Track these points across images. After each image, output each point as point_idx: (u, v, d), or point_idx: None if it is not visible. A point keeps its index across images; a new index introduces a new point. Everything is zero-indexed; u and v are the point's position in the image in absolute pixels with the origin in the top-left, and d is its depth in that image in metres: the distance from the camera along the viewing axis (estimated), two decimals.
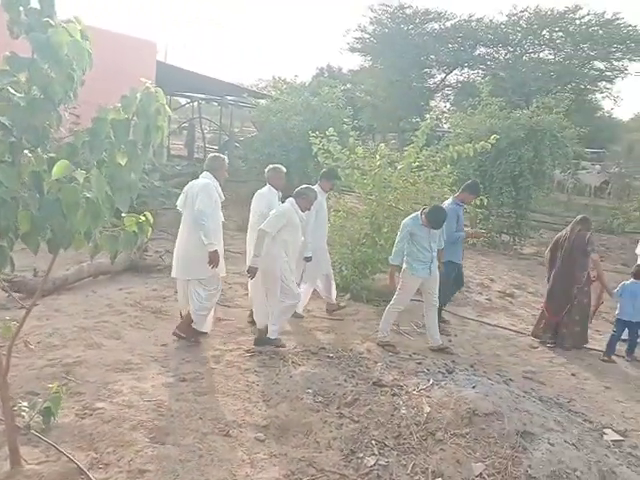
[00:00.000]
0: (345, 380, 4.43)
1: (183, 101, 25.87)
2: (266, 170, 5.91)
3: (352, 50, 25.51)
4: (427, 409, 3.76)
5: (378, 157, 7.28)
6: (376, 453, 3.44)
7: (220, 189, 5.11)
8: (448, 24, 23.27)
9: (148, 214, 2.45)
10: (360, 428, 3.69)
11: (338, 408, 3.99)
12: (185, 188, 5.10)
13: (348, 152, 7.57)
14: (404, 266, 5.58)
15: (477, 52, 23.53)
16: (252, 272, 5.09)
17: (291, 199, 5.31)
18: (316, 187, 6.13)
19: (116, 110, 2.33)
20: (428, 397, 3.94)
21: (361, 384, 4.36)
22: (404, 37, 22.92)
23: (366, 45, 24.69)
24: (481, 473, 3.28)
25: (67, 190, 1.97)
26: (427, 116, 8.11)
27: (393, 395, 4.09)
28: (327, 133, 7.59)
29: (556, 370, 5.58)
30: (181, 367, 4.51)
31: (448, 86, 26.45)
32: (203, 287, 5.04)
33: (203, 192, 4.88)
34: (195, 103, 21.95)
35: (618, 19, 21.23)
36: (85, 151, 2.24)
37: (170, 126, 23.83)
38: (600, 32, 21.09)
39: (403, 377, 4.61)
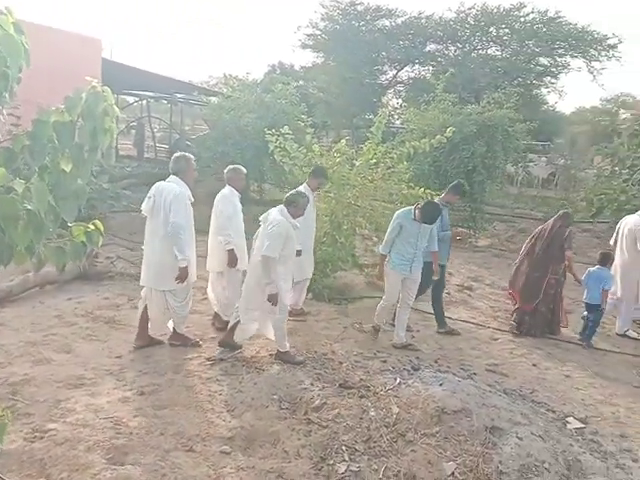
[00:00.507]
0: (311, 384, 4.33)
1: (131, 100, 25.08)
2: (225, 171, 5.67)
3: (304, 47, 25.40)
4: (396, 410, 3.71)
5: (337, 154, 7.21)
6: (347, 459, 3.36)
7: (190, 192, 4.91)
8: (399, 21, 23.51)
9: (98, 222, 2.26)
10: (329, 434, 3.60)
11: (305, 414, 3.89)
12: (151, 191, 4.85)
13: (305, 150, 7.47)
14: (386, 259, 5.63)
15: (427, 49, 23.86)
16: (274, 299, 4.66)
17: (281, 208, 4.91)
18: (303, 186, 6.05)
19: (59, 112, 2.13)
20: (396, 397, 3.90)
21: (327, 387, 4.28)
22: (355, 34, 22.97)
23: (318, 42, 24.61)
24: (453, 472, 3.25)
25: (4, 202, 1.78)
26: (380, 111, 8.11)
27: (361, 397, 4.02)
28: (282, 131, 7.46)
29: (517, 361, 5.67)
30: (138, 380, 4.29)
31: (400, 83, 26.71)
32: (174, 298, 4.90)
33: (176, 203, 4.70)
34: (144, 101, 21.33)
35: (560, 17, 22.00)
36: (25, 156, 2.04)
37: (118, 126, 23.13)
38: (544, 29, 21.79)
39: (369, 377, 4.56)
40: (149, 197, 4.82)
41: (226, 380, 4.38)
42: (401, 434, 3.52)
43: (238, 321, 4.93)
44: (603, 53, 21.90)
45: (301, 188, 6.03)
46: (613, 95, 32.48)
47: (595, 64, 22.38)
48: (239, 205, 5.54)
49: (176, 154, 5.06)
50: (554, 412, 4.49)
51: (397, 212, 5.67)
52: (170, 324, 5.12)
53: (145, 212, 4.87)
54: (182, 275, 4.71)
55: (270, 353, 4.97)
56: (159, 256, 4.79)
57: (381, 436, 3.51)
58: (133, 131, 22.97)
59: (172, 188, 4.76)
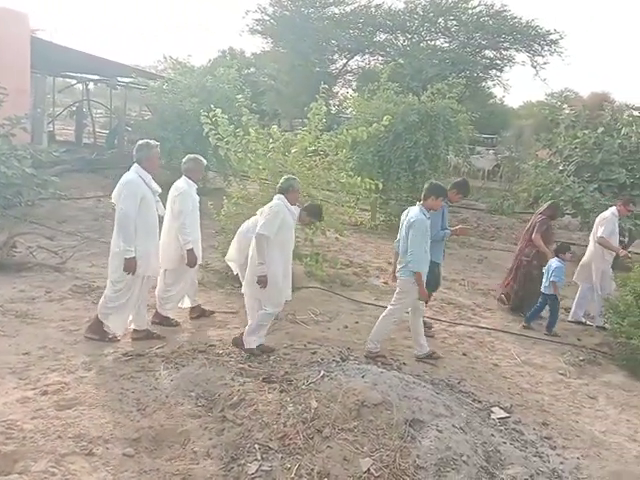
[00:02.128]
0: (232, 379, 4.15)
1: (73, 83, 23.90)
2: (184, 161, 5.38)
3: (252, 32, 24.83)
4: (315, 404, 3.57)
5: (271, 140, 7.00)
6: (259, 458, 3.20)
7: (153, 182, 4.72)
8: (348, 9, 23.27)
9: None
10: (243, 432, 3.43)
11: (221, 411, 3.71)
12: (121, 180, 4.70)
13: (242, 134, 7.22)
14: (406, 272, 5.01)
15: (377, 38, 23.75)
16: (263, 281, 4.58)
17: (279, 195, 4.83)
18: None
19: None
20: (317, 391, 3.75)
21: (249, 382, 4.10)
22: (305, 20, 22.61)
23: (266, 27, 24.07)
24: (369, 469, 3.14)
25: None
26: (327, 100, 7.94)
27: (281, 392, 3.87)
28: (218, 114, 7.18)
29: (448, 350, 5.65)
30: (43, 378, 3.97)
31: (350, 72, 26.60)
32: (113, 287, 4.73)
33: (125, 190, 4.54)
34: (85, 84, 20.36)
35: (505, 11, 22.37)
36: None
37: (55, 110, 22.03)
38: (490, 22, 22.11)
39: (295, 370, 4.41)
40: (119, 184, 4.70)
41: (141, 377, 4.13)
42: (318, 430, 3.38)
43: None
44: (546, 48, 22.45)
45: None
46: (558, 90, 33.46)
47: (538, 59, 22.95)
48: (197, 198, 5.34)
49: (139, 142, 4.83)
50: (480, 402, 4.48)
51: (419, 218, 4.94)
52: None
53: (114, 200, 4.74)
54: (129, 266, 4.53)
55: (194, 348, 4.75)
56: (112, 243, 4.73)
57: (297, 433, 3.36)
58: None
59: (127, 175, 4.63)
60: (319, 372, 4.12)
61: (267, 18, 24.00)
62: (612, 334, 5.98)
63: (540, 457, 3.68)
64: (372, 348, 5.13)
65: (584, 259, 7.08)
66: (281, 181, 4.97)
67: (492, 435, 3.83)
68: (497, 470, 3.39)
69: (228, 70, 12.09)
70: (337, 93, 25.58)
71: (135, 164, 4.71)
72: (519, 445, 3.80)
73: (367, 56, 25.39)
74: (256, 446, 3.29)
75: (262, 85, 25.19)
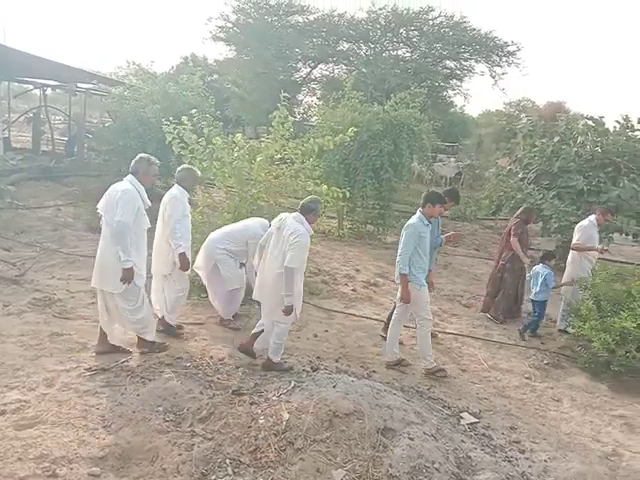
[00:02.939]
0: (201, 392, 4.05)
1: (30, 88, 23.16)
2: (177, 170, 5.39)
3: (215, 39, 24.70)
4: (286, 416, 3.52)
5: (237, 148, 6.94)
6: (230, 473, 3.13)
7: (145, 195, 4.66)
8: (311, 18, 23.48)
9: None
10: (214, 446, 3.35)
11: (191, 425, 3.61)
12: (109, 190, 4.64)
13: (205, 142, 7.13)
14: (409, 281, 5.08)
15: (340, 47, 24.01)
16: (288, 311, 4.59)
17: (298, 216, 4.69)
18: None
19: None
20: (288, 402, 3.70)
21: (218, 395, 4.03)
22: (268, 28, 22.63)
23: (229, 35, 23.99)
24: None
25: None
26: (289, 107, 7.93)
27: (252, 404, 3.80)
28: (183, 121, 7.08)
29: (417, 357, 5.68)
30: (1, 397, 3.79)
31: (314, 80, 26.76)
32: (124, 300, 4.63)
33: (123, 200, 4.47)
34: (43, 90, 19.74)
35: (465, 22, 22.99)
36: None
37: (11, 116, 21.26)
38: (450, 33, 22.65)
39: (266, 381, 4.37)
40: (105, 195, 4.65)
41: (106, 392, 3.99)
42: (290, 442, 3.34)
43: (262, 330, 4.91)
44: (504, 59, 23.15)
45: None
46: (515, 100, 34.48)
47: (497, 69, 23.65)
48: (189, 207, 5.35)
49: (140, 155, 4.82)
50: (449, 408, 4.53)
51: (412, 223, 5.08)
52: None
53: (100, 210, 4.69)
54: (127, 276, 4.49)
55: (160, 361, 4.63)
56: (103, 254, 4.65)
57: (269, 445, 3.31)
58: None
59: (121, 185, 4.57)
60: (290, 383, 4.07)
61: (230, 25, 23.93)
62: (574, 338, 6.15)
63: (509, 461, 3.73)
64: (428, 365, 5.21)
65: (568, 268, 7.20)
66: (307, 200, 4.82)
67: (462, 441, 3.86)
68: (468, 476, 3.41)
69: (191, 77, 11.97)
70: (301, 101, 25.70)
71: (130, 175, 4.66)
72: (489, 450, 3.85)
73: (331, 65, 25.63)
74: (227, 461, 3.22)
75: (226, 92, 25.06)
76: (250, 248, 5.56)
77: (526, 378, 5.48)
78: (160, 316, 5.37)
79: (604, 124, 10.86)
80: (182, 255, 5.09)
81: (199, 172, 5.63)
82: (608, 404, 5.00)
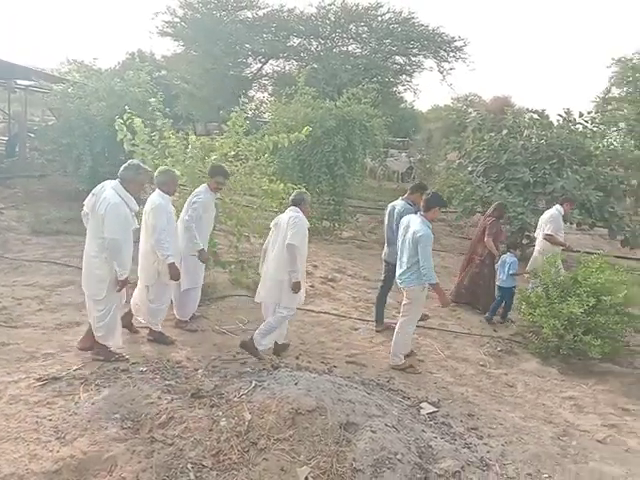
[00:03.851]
0: (159, 397, 3.95)
1: None
2: (155, 174, 5.20)
3: (162, 34, 24.07)
4: (248, 416, 3.48)
5: (190, 147, 6.79)
6: (193, 478, 3.07)
7: (132, 201, 4.57)
8: (261, 13, 23.26)
9: None
10: (174, 451, 3.28)
11: (150, 432, 3.52)
12: (95, 189, 4.58)
13: (157, 139, 6.95)
14: (414, 281, 5.13)
15: (290, 43, 23.90)
16: (297, 287, 4.94)
17: (292, 208, 5.11)
18: (204, 187, 5.74)
19: None
20: (250, 402, 3.66)
21: (177, 399, 3.93)
22: (217, 23, 22.24)
23: (177, 30, 23.42)
24: (307, 477, 3.11)
25: None
26: (246, 106, 7.84)
27: (212, 406, 3.74)
28: (135, 121, 6.86)
29: (376, 350, 5.76)
30: None
31: (265, 76, 26.55)
32: (95, 303, 4.62)
33: (112, 215, 4.38)
34: None
35: (413, 18, 23.33)
36: None
37: None
38: (399, 29, 22.95)
39: (226, 383, 4.30)
40: (92, 194, 4.57)
41: (58, 402, 3.84)
42: (253, 442, 3.30)
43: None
44: (451, 54, 23.65)
45: (201, 189, 5.73)
46: (463, 95, 35.36)
47: (445, 64, 24.13)
48: (172, 212, 5.21)
49: (130, 161, 4.71)
50: (409, 399, 4.60)
51: (426, 233, 5.00)
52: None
53: (86, 208, 4.61)
54: (122, 287, 4.58)
55: (115, 367, 4.49)
56: (86, 258, 4.61)
57: (231, 447, 3.27)
58: None
59: (109, 197, 4.43)
60: (250, 383, 4.03)
61: (177, 20, 23.39)
62: (525, 324, 6.37)
63: (469, 448, 3.83)
64: (397, 361, 5.28)
65: (535, 255, 7.49)
66: (294, 194, 5.29)
67: (423, 431, 3.93)
68: (430, 465, 3.48)
69: (138, 73, 11.62)
70: (253, 97, 25.41)
71: (117, 181, 4.53)
72: (449, 438, 3.94)
73: (282, 60, 25.49)
74: (189, 465, 3.16)
75: (175, 88, 24.49)
76: (195, 212, 5.48)
77: (481, 366, 5.63)
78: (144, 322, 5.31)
79: (548, 118, 11.28)
80: (172, 265, 4.96)
81: (178, 172, 5.50)
82: (558, 387, 5.21)
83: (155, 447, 3.33)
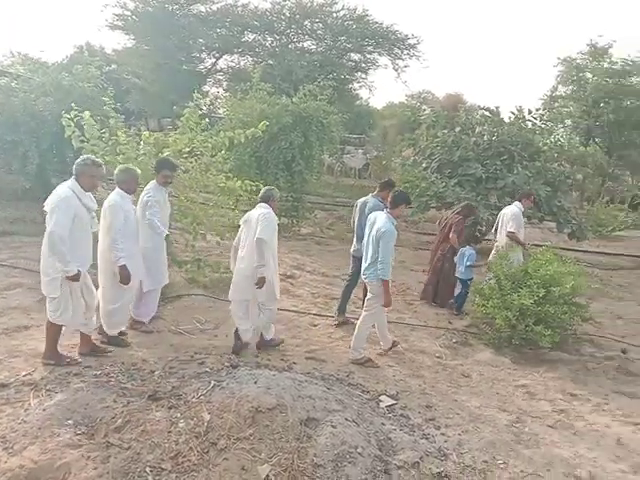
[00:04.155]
0: (114, 400, 3.84)
1: None
2: (115, 173, 5.14)
3: (112, 28, 23.36)
4: (207, 417, 3.44)
5: (142, 144, 6.62)
6: None
7: (88, 199, 4.50)
8: (214, 7, 22.94)
9: None
10: (132, 455, 3.20)
11: (105, 436, 3.42)
12: (55, 191, 4.49)
13: (108, 136, 6.74)
14: (375, 276, 5.19)
15: (245, 38, 23.72)
16: (262, 282, 5.01)
17: (264, 204, 5.22)
18: (152, 184, 5.63)
19: None
20: (209, 402, 3.62)
21: (134, 402, 3.84)
22: (169, 17, 21.80)
23: (128, 23, 22.78)
24: (268, 475, 3.10)
25: None
26: (200, 101, 7.70)
27: (170, 408, 3.67)
28: (84, 116, 6.63)
29: (335, 345, 5.80)
30: None
31: (219, 71, 26.22)
32: (49, 303, 4.50)
33: (59, 209, 4.29)
34: None
35: (367, 15, 23.54)
36: None
37: None
38: (354, 26, 23.12)
39: (184, 383, 4.22)
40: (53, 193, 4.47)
41: (6, 410, 3.69)
42: (213, 443, 3.26)
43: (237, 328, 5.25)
44: (405, 52, 24.01)
45: (149, 185, 5.64)
46: (417, 92, 35.93)
47: (399, 62, 24.47)
48: (131, 211, 5.09)
49: (83, 156, 4.64)
50: (369, 392, 4.65)
51: (389, 229, 5.08)
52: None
53: (46, 208, 4.47)
54: (74, 280, 4.40)
55: (67, 371, 4.35)
56: (41, 257, 4.50)
57: (191, 449, 3.22)
58: None
59: (62, 190, 4.39)
60: (209, 383, 3.97)
61: (128, 14, 22.76)
62: (479, 316, 6.54)
63: (427, 438, 3.91)
64: (356, 355, 5.31)
65: (494, 251, 7.59)
66: (263, 190, 5.39)
67: (382, 423, 3.99)
68: (390, 457, 3.53)
69: (87, 67, 11.25)
70: (207, 92, 25.04)
71: (72, 178, 4.45)
72: (407, 430, 4.00)
73: (236, 56, 25.25)
74: (147, 469, 3.09)
75: (126, 83, 23.87)
76: (152, 208, 5.41)
77: (437, 357, 5.75)
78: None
79: (499, 115, 11.60)
80: (122, 268, 4.83)
81: (139, 170, 5.36)
82: (511, 375, 5.38)
83: (111, 452, 3.24)
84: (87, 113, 6.64)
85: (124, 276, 4.87)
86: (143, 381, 4.27)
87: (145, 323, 5.64)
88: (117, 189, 5.08)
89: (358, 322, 5.47)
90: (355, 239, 6.41)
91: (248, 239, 5.10)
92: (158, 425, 3.45)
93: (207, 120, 7.24)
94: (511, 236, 7.41)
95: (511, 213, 7.58)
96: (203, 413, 3.47)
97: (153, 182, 5.68)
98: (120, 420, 3.56)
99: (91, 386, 4.07)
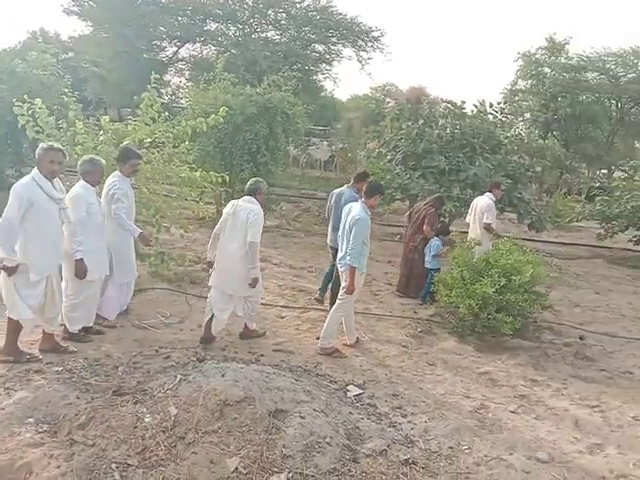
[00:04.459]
0: (78, 397, 3.77)
1: None
2: (79, 163, 5.02)
3: (68, 13, 22.56)
4: (174, 411, 3.39)
5: (102, 132, 6.44)
6: (118, 478, 2.95)
7: (51, 187, 4.33)
8: None
9: None
10: (97, 452, 3.13)
11: (69, 434, 3.34)
12: None
13: (66, 126, 6.53)
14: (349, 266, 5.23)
15: (207, 27, 23.31)
16: (255, 282, 5.17)
17: (249, 198, 5.23)
18: (117, 175, 5.45)
19: None
20: (175, 397, 3.57)
21: (98, 397, 3.77)
22: (128, 4, 21.14)
23: (84, 9, 22.04)
24: (237, 467, 3.09)
25: None
26: (159, 87, 7.53)
27: (136, 403, 3.61)
28: (36, 104, 6.39)
29: (303, 337, 5.81)
30: None
31: (181, 60, 25.71)
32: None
33: (12, 194, 4.19)
34: None
35: (331, 6, 23.49)
36: None
37: None
38: (318, 17, 23.03)
39: (149, 378, 4.16)
40: None
41: None
42: (180, 437, 3.23)
43: (212, 316, 5.21)
44: (369, 44, 24.08)
45: (114, 178, 5.43)
46: (381, 84, 36.11)
47: (363, 54, 24.54)
48: (95, 203, 4.94)
49: (42, 143, 4.48)
50: (336, 382, 4.68)
51: (362, 216, 5.20)
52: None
53: None
54: (9, 273, 4.22)
55: (27, 368, 4.21)
56: None
57: (158, 444, 3.17)
58: None
59: (20, 180, 4.35)
60: (175, 377, 3.92)
61: None
62: (443, 305, 6.66)
63: (394, 427, 3.96)
64: (325, 344, 5.33)
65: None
66: (250, 183, 5.37)
67: (350, 413, 4.02)
68: (358, 446, 3.56)
69: (42, 54, 10.83)
70: (169, 82, 24.54)
71: (35, 168, 4.35)
72: (375, 418, 4.05)
73: (198, 45, 24.79)
74: (113, 466, 3.03)
75: (83, 72, 23.12)
76: (119, 201, 5.29)
77: (403, 346, 5.83)
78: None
79: (462, 107, 11.77)
80: (79, 262, 4.69)
81: (104, 161, 5.22)
82: (475, 363, 5.51)
83: (75, 449, 3.17)
84: (38, 101, 6.41)
85: (80, 270, 4.74)
86: (107, 377, 4.19)
87: (107, 319, 5.50)
88: (81, 181, 4.96)
89: (331, 310, 5.53)
90: (330, 229, 6.58)
91: (237, 236, 5.11)
92: (123, 421, 3.39)
93: (166, 113, 7.07)
94: (488, 227, 7.63)
95: (485, 204, 7.76)
96: (170, 407, 3.43)
97: (117, 173, 5.50)
98: (84, 417, 3.48)
99: (53, 383, 3.98)
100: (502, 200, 10.59)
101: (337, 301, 5.51)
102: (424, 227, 7.58)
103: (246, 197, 5.25)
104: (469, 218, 8.17)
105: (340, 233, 5.56)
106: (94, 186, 5.02)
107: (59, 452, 3.13)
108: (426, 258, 7.49)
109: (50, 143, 4.52)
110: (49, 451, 3.14)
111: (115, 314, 5.55)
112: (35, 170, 4.32)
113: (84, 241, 4.72)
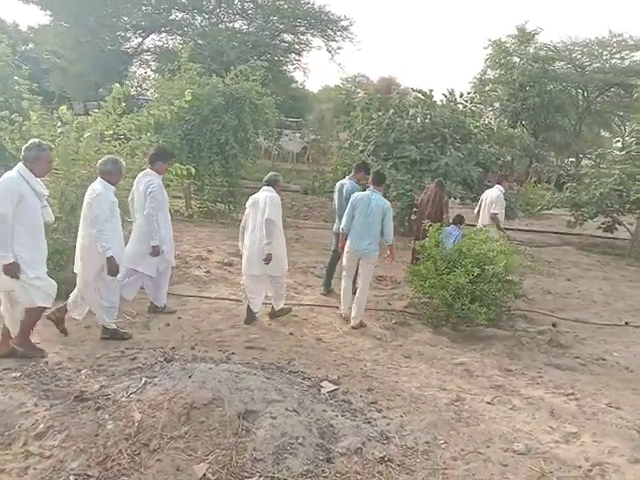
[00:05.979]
0: (36, 404, 3.55)
1: None
2: (101, 162, 4.98)
3: (26, 1, 21.68)
4: (138, 417, 3.22)
5: (59, 124, 6.14)
6: None
7: (38, 184, 4.27)
8: None
9: None
10: (54, 464, 2.94)
11: (24, 445, 3.13)
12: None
13: (21, 119, 6.21)
14: (377, 250, 6.09)
15: (173, 17, 22.75)
16: (269, 258, 5.58)
17: (268, 187, 5.75)
18: (150, 172, 5.68)
19: None
20: (139, 401, 3.39)
21: (58, 404, 3.55)
22: None
23: None
24: (205, 474, 2.94)
25: None
26: (127, 83, 7.24)
27: (98, 409, 3.41)
28: None
29: (275, 332, 5.67)
30: None
31: (147, 51, 25.06)
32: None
33: (0, 188, 4.10)
34: None
35: None
36: None
37: None
38: (285, 6, 22.72)
39: (113, 382, 3.96)
40: None
41: None
42: (144, 444, 3.06)
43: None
44: (338, 34, 23.89)
45: (151, 177, 5.63)
46: (351, 75, 35.98)
47: (332, 44, 24.34)
48: (116, 202, 4.95)
49: (31, 141, 4.39)
50: (310, 379, 4.54)
51: (386, 202, 6.06)
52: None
53: None
54: (8, 272, 4.13)
55: None
56: None
57: (120, 452, 3.00)
58: None
59: (5, 175, 4.21)
60: (140, 379, 3.74)
61: None
62: (417, 296, 6.60)
63: (369, 423, 3.85)
64: (359, 319, 5.98)
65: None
66: (268, 175, 5.92)
67: (324, 410, 3.89)
68: (332, 445, 3.45)
69: None
70: (134, 73, 23.89)
71: (20, 163, 4.26)
72: (349, 415, 3.93)
73: (164, 35, 24.21)
74: (71, 478, 2.85)
75: (45, 63, 22.32)
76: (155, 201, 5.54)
77: (378, 339, 5.75)
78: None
79: (432, 97, 11.72)
80: (111, 259, 4.74)
81: (124, 163, 5.18)
82: (450, 354, 5.46)
83: (30, 462, 2.97)
84: None
85: (113, 268, 4.80)
86: (69, 381, 3.98)
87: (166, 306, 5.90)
88: (99, 179, 4.90)
89: (357, 293, 6.04)
90: (337, 219, 6.97)
91: (257, 221, 5.62)
92: (84, 429, 3.20)
93: (123, 104, 6.80)
94: (494, 217, 8.02)
95: (495, 196, 8.21)
96: (133, 413, 3.25)
97: (150, 172, 5.68)
98: (42, 426, 3.28)
99: (9, 390, 3.74)
100: (473, 189, 10.62)
101: (361, 284, 6.07)
102: (444, 216, 7.91)
103: (265, 187, 5.77)
104: (477, 209, 8.64)
105: (361, 219, 5.96)
106: (114, 185, 4.99)
107: (12, 466, 2.93)
108: (446, 246, 7.41)
109: (47, 143, 4.50)
110: (1, 465, 2.93)
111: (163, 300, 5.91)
112: (21, 165, 4.23)
113: (109, 239, 4.74)
